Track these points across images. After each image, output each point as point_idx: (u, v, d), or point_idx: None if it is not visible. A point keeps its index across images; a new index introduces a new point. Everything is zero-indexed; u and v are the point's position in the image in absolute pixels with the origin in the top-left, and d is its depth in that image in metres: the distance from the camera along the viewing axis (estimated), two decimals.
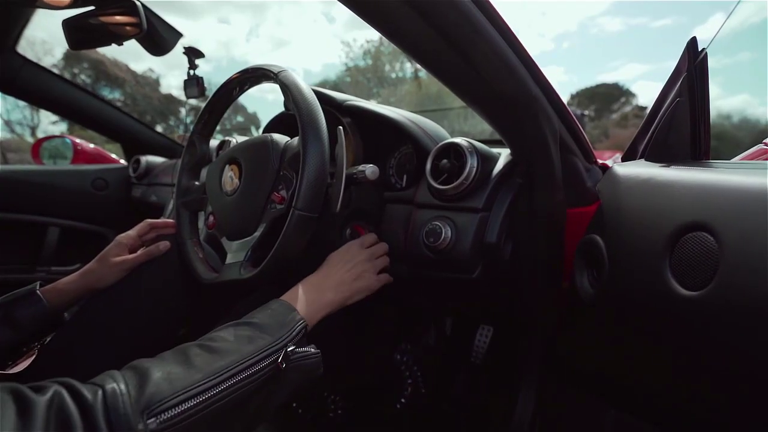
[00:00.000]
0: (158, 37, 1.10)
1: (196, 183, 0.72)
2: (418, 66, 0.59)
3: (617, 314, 0.51)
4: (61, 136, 1.87)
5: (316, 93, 0.61)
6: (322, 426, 1.00)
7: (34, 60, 1.39)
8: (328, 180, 0.54)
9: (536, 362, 0.79)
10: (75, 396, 0.32)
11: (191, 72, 1.46)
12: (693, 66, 0.59)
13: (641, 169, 0.56)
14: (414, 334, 1.07)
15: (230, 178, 0.63)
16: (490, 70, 0.45)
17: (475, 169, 0.62)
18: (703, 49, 0.59)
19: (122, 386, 0.34)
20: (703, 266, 0.40)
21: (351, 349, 1.01)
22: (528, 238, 0.65)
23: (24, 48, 1.34)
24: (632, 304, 0.48)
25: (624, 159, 0.71)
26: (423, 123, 0.75)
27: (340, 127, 0.57)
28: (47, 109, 1.55)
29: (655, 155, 0.63)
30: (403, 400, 1.01)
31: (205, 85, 1.46)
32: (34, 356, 0.56)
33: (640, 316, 0.47)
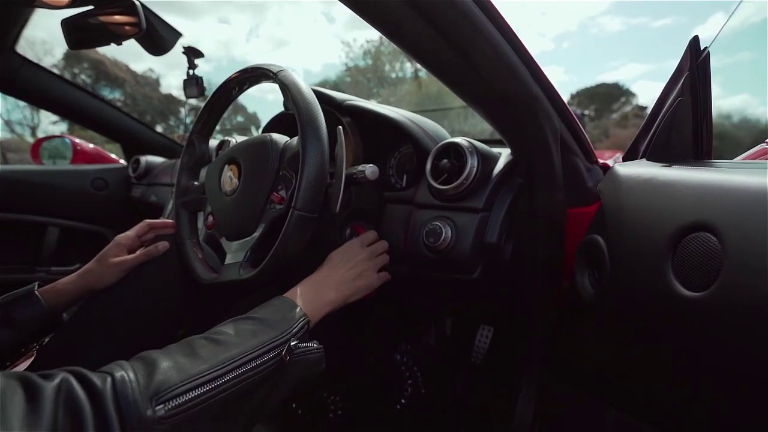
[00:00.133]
0: (157, 37, 1.09)
1: (196, 183, 0.72)
2: (418, 66, 0.59)
3: (618, 314, 0.50)
4: (60, 136, 1.87)
5: (316, 93, 0.61)
6: (322, 426, 1.00)
7: (35, 60, 1.38)
8: (328, 180, 0.54)
9: (537, 362, 0.79)
10: (84, 382, 0.32)
11: (191, 72, 1.46)
12: (695, 65, 0.59)
13: (643, 169, 0.55)
14: (414, 334, 1.07)
15: (229, 178, 0.63)
16: (491, 70, 0.45)
17: (475, 169, 0.62)
18: (706, 47, 0.59)
19: (131, 374, 0.34)
20: (706, 267, 0.40)
21: (351, 349, 1.01)
22: (528, 238, 0.65)
23: (24, 48, 1.34)
24: (633, 304, 0.48)
25: (625, 159, 0.71)
26: (423, 123, 0.75)
27: (340, 127, 0.57)
28: (47, 109, 1.55)
29: (657, 155, 0.63)
30: (403, 401, 1.01)
31: (205, 85, 1.46)
32: (32, 357, 0.56)
33: (641, 317, 0.47)
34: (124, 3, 0.89)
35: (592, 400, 0.62)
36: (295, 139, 0.57)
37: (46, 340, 0.58)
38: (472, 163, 0.62)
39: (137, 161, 1.62)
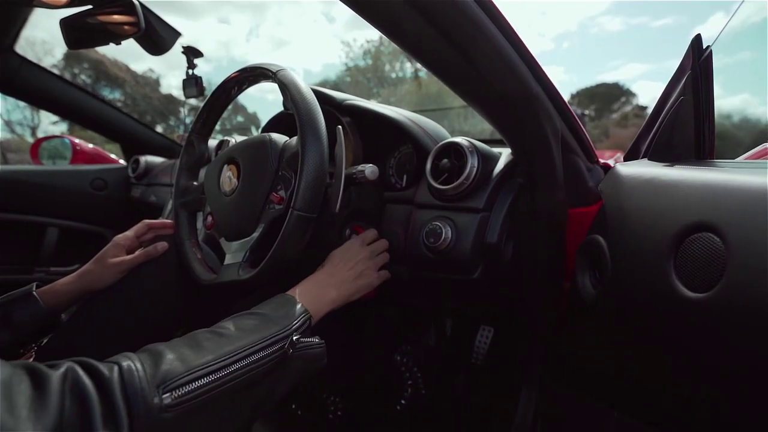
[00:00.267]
0: (156, 37, 1.09)
1: (195, 183, 0.71)
2: (418, 66, 0.59)
3: (619, 315, 0.50)
4: (60, 136, 1.86)
5: (315, 92, 0.60)
6: (322, 426, 0.99)
7: (34, 60, 1.38)
8: (327, 180, 0.54)
9: (537, 363, 0.79)
10: (91, 371, 0.32)
11: (190, 71, 1.45)
12: (697, 64, 0.59)
13: (644, 169, 0.55)
14: (414, 334, 1.07)
15: (228, 178, 0.62)
16: (491, 69, 0.45)
17: (475, 169, 0.62)
18: (708, 46, 0.59)
19: (138, 364, 0.35)
20: (709, 267, 0.40)
21: (351, 349, 1.01)
22: (529, 238, 0.64)
23: (24, 48, 1.34)
24: (635, 305, 0.47)
25: (626, 158, 0.71)
26: (423, 122, 0.75)
27: (340, 127, 0.57)
28: (46, 109, 1.55)
29: (659, 154, 0.63)
30: (403, 401, 1.01)
31: (205, 84, 1.45)
32: (31, 358, 0.56)
33: (642, 317, 0.47)
34: (123, 2, 0.88)
35: (593, 400, 0.62)
36: (295, 138, 0.57)
37: (45, 340, 0.58)
38: (472, 163, 0.62)
39: (137, 161, 1.62)
